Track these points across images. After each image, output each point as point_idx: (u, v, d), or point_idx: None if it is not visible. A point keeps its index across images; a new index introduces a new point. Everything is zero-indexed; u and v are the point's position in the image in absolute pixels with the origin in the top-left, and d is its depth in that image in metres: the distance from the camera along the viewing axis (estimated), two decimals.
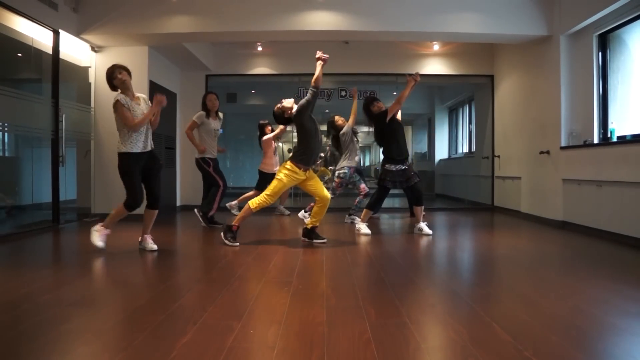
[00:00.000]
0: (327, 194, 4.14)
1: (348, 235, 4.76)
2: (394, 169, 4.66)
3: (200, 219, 5.29)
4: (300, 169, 4.01)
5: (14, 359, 1.70)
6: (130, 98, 3.61)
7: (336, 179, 5.61)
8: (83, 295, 2.55)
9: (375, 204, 4.84)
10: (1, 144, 5.36)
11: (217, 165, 5.24)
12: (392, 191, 4.88)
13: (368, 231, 4.73)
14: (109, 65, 3.68)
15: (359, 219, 5.75)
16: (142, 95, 3.78)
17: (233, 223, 4.09)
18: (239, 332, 1.92)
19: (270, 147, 6.38)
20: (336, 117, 5.73)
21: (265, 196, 4.01)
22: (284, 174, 4.00)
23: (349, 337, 1.87)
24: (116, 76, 3.58)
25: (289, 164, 4.03)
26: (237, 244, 4.03)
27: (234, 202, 6.32)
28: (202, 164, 5.16)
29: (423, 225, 4.75)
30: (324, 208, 4.14)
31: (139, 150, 3.62)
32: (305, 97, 3.98)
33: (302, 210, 6.02)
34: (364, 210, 4.90)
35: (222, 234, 4.11)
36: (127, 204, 3.66)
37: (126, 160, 3.60)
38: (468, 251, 4.13)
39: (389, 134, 4.70)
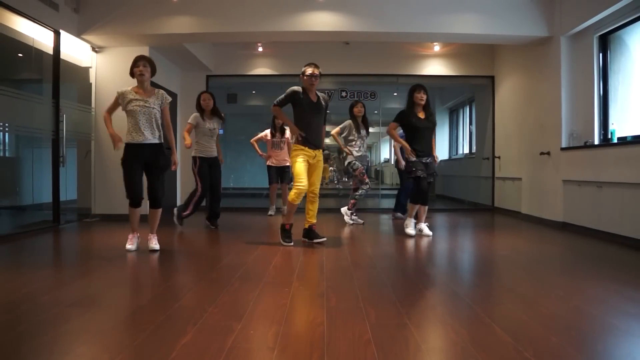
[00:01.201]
0: (317, 190, 4.17)
1: (348, 236, 4.76)
2: (417, 160, 4.58)
3: (175, 218, 5.22)
4: (305, 146, 4.05)
5: (14, 359, 1.70)
6: (136, 92, 3.69)
7: (354, 172, 5.65)
8: (83, 295, 2.55)
9: (417, 197, 4.63)
10: (2, 144, 5.36)
11: (206, 167, 5.12)
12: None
13: (412, 232, 4.64)
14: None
15: (356, 217, 5.74)
16: (161, 92, 3.81)
17: (284, 222, 4.14)
18: (239, 332, 1.92)
19: (267, 143, 6.63)
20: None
21: (295, 184, 4.02)
22: (294, 154, 4.07)
23: (349, 338, 1.87)
24: (139, 66, 3.67)
25: (293, 146, 4.13)
26: (291, 243, 4.08)
27: (271, 205, 6.80)
28: (192, 162, 5.14)
29: (423, 225, 4.74)
30: (312, 203, 4.17)
31: (132, 142, 3.67)
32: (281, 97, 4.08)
33: (346, 208, 5.87)
34: (409, 205, 4.72)
35: (282, 235, 4.14)
36: (127, 198, 3.75)
37: (124, 151, 3.71)
38: (468, 252, 4.13)
39: (410, 127, 4.64)
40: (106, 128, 3.75)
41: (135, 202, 3.75)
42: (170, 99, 3.87)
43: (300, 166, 4.02)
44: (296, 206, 4.05)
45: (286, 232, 4.11)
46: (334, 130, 5.74)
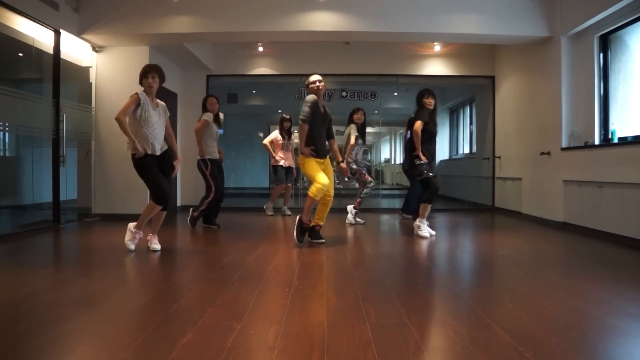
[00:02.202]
0: (332, 193, 4.15)
1: (348, 235, 4.76)
2: (425, 162, 4.56)
3: (189, 220, 5.24)
4: (309, 157, 4.05)
5: (14, 358, 1.70)
6: (150, 100, 3.67)
7: (354, 176, 5.74)
8: (83, 295, 2.55)
9: (432, 195, 4.59)
10: (2, 144, 5.36)
11: (216, 168, 5.14)
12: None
13: (427, 234, 4.55)
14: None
15: (357, 218, 5.74)
16: (162, 103, 3.83)
17: (304, 220, 4.05)
18: (239, 332, 1.92)
19: (276, 145, 6.70)
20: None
21: (317, 182, 3.93)
22: (305, 160, 4.06)
23: (349, 337, 1.87)
24: (148, 78, 3.63)
25: (302, 157, 4.11)
26: (322, 240, 4.13)
27: (269, 204, 6.82)
28: (202, 165, 5.10)
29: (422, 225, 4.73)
30: (326, 206, 4.15)
31: (148, 152, 3.64)
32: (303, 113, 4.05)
33: (352, 206, 5.83)
34: (424, 205, 4.60)
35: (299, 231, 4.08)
36: (153, 197, 3.68)
37: (143, 159, 3.62)
38: (469, 252, 4.13)
39: (424, 130, 4.59)
40: (125, 134, 3.56)
41: (166, 202, 3.67)
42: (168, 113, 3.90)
43: (315, 167, 4.03)
44: (315, 203, 4.01)
45: (305, 230, 4.08)
46: (352, 141, 5.65)
